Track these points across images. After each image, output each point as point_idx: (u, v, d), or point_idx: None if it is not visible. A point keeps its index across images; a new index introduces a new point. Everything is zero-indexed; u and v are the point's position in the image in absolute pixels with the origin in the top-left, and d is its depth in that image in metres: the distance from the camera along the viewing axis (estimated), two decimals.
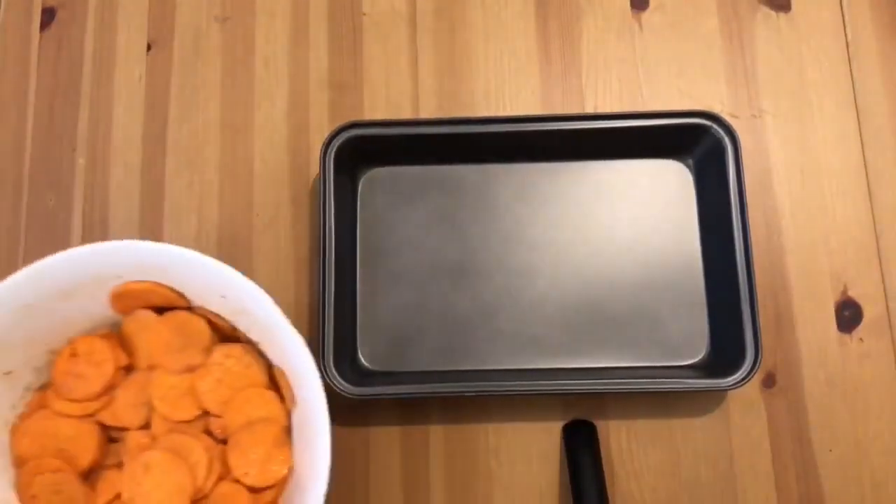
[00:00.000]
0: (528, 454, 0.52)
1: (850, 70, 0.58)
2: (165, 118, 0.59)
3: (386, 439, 0.52)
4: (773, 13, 0.59)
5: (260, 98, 0.59)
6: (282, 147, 0.58)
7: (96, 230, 0.57)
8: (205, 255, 0.43)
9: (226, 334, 0.48)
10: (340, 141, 0.53)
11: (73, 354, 0.47)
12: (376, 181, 0.56)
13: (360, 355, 0.53)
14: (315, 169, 0.55)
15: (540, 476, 0.51)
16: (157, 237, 0.56)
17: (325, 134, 0.53)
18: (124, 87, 0.59)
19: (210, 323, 0.48)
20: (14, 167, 0.58)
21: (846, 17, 0.59)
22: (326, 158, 0.52)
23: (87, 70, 0.60)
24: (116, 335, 0.49)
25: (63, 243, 0.57)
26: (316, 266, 0.51)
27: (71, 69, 0.60)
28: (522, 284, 0.53)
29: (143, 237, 0.57)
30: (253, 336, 0.47)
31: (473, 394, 0.49)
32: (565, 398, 0.52)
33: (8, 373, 0.45)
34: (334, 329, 0.50)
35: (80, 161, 0.58)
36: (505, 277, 0.54)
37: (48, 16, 0.61)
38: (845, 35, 0.59)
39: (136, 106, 0.59)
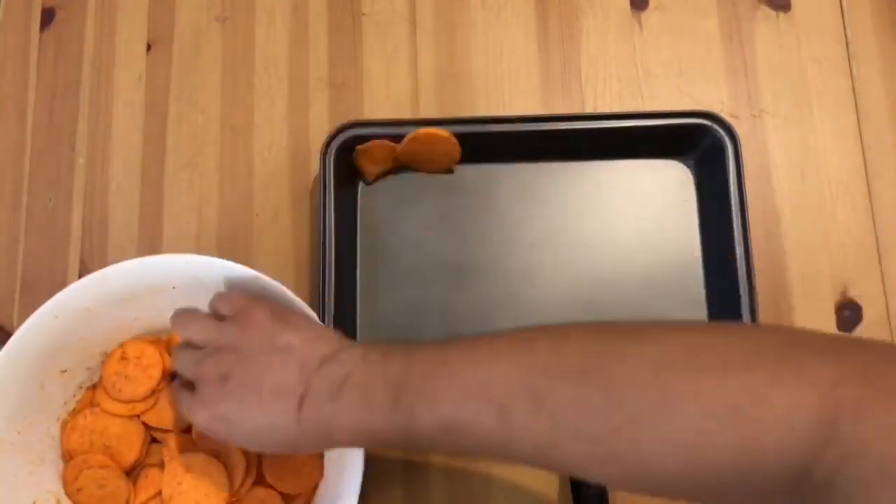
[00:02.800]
0: None
1: (850, 70, 0.58)
2: (165, 118, 0.59)
3: None
4: (772, 13, 0.59)
5: (260, 98, 0.59)
6: (282, 147, 0.58)
7: (96, 230, 0.57)
8: (257, 272, 0.44)
9: None
10: (340, 141, 0.53)
11: (124, 357, 0.49)
12: (377, 181, 0.56)
13: None
14: (315, 169, 0.55)
15: (540, 476, 0.51)
16: (157, 237, 0.57)
17: (325, 134, 0.53)
18: (124, 87, 0.59)
19: None
20: (14, 167, 0.58)
21: (846, 17, 0.59)
22: (326, 158, 0.52)
23: (87, 70, 0.60)
24: (164, 341, 0.50)
25: (63, 243, 0.57)
26: (316, 266, 0.51)
27: (71, 69, 0.60)
28: (522, 284, 0.53)
29: (142, 237, 0.57)
30: None
31: None
32: None
33: (64, 371, 0.47)
34: (335, 329, 0.50)
35: (80, 161, 0.58)
36: (505, 277, 0.54)
37: (48, 16, 0.61)
38: (845, 35, 0.59)
39: (136, 106, 0.59)
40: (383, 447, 0.39)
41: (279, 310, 0.40)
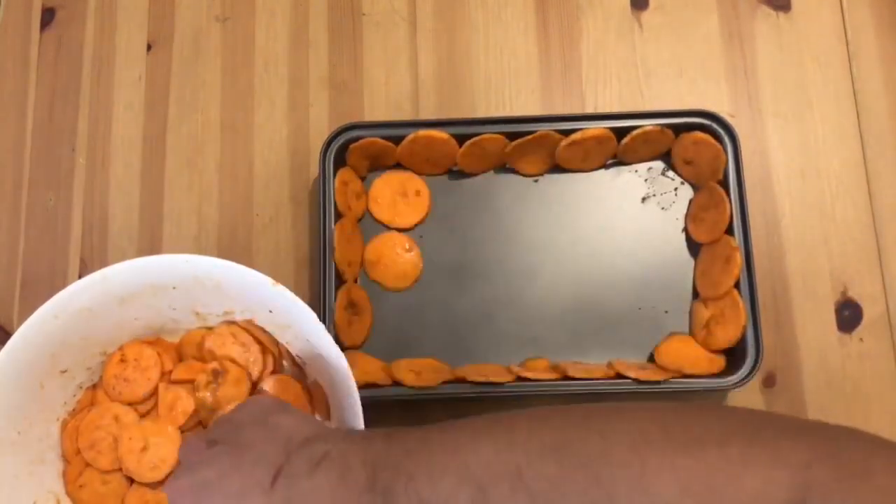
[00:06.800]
0: None
1: (850, 70, 0.58)
2: (165, 118, 0.59)
3: None
4: (773, 13, 0.59)
5: (260, 98, 0.59)
6: (282, 147, 0.58)
7: (96, 230, 0.57)
8: (257, 272, 0.44)
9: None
10: (340, 142, 0.53)
11: (123, 360, 0.49)
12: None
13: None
14: (315, 169, 0.55)
15: None
16: (156, 237, 0.57)
17: (325, 134, 0.53)
18: (124, 87, 0.59)
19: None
20: (14, 167, 0.58)
21: (846, 17, 0.59)
22: (326, 158, 0.52)
23: (87, 70, 0.60)
24: (163, 342, 0.50)
25: (63, 243, 0.57)
26: (316, 266, 0.51)
27: (71, 69, 0.60)
28: (522, 285, 0.53)
29: (142, 237, 0.57)
30: (293, 349, 0.49)
31: (475, 395, 0.49)
32: (566, 398, 0.52)
33: (64, 371, 0.47)
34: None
35: (80, 161, 0.58)
36: (505, 278, 0.54)
37: (48, 16, 0.61)
38: (845, 35, 0.59)
39: (136, 106, 0.59)
40: None
41: (281, 402, 0.42)
